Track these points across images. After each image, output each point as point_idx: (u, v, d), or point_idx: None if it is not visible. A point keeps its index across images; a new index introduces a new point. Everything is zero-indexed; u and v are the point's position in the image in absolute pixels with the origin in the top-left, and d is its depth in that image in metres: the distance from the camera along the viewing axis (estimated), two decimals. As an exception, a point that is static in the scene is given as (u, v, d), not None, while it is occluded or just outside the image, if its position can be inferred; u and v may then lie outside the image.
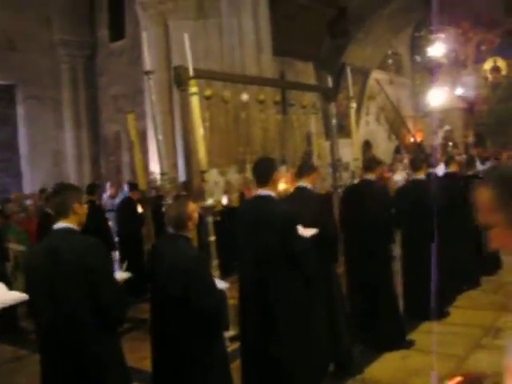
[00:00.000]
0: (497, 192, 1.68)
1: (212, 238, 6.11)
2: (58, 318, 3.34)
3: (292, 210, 4.38)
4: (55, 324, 3.36)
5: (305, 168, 5.41)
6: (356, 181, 7.83)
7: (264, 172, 4.43)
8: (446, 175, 8.45)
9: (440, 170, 10.33)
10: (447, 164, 8.82)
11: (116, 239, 10.19)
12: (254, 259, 4.34)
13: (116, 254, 10.45)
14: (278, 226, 4.21)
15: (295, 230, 4.30)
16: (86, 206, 3.61)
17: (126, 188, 12.13)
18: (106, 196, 13.50)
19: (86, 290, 3.30)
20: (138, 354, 6.03)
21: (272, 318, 4.24)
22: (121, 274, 4.02)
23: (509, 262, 9.05)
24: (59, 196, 3.61)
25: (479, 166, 12.43)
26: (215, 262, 6.27)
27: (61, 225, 3.48)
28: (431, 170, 8.94)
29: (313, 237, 4.50)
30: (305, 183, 5.21)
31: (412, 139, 24.17)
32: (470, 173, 9.05)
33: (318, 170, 6.08)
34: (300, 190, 5.22)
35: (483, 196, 1.72)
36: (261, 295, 4.29)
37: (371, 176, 6.14)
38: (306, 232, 4.42)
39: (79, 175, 16.95)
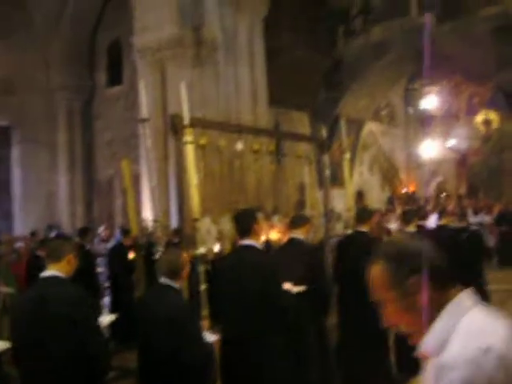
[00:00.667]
0: (390, 268, 1.65)
1: (203, 287, 6.03)
2: (42, 368, 3.28)
3: (275, 262, 4.38)
4: (38, 373, 3.30)
5: (298, 219, 5.45)
6: (349, 231, 7.81)
7: (245, 223, 4.40)
8: (438, 227, 8.45)
9: (432, 221, 10.35)
10: (440, 216, 8.84)
11: (107, 285, 10.14)
12: (236, 311, 4.26)
13: (106, 300, 10.36)
14: (261, 276, 4.16)
15: (279, 282, 4.25)
16: (76, 260, 3.59)
17: (118, 233, 12.09)
18: (97, 240, 13.42)
19: (71, 341, 3.25)
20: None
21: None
22: (105, 318, 3.98)
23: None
24: (57, 241, 3.61)
25: (472, 218, 12.46)
26: (205, 312, 6.18)
27: (49, 273, 3.45)
28: (422, 222, 8.91)
29: (301, 293, 4.46)
30: (297, 234, 5.22)
31: (405, 190, 24.29)
32: (460, 225, 9.04)
33: (311, 221, 6.06)
34: (292, 241, 5.22)
35: (375, 272, 1.69)
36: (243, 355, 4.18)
37: (364, 228, 6.10)
38: (294, 288, 4.35)
39: (72, 218, 16.89)
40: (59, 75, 16.99)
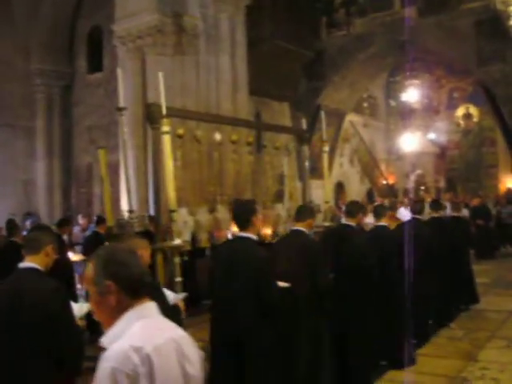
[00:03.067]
0: (96, 268, 1.98)
1: (178, 279, 6.00)
2: (14, 360, 3.24)
3: (268, 257, 4.36)
4: (11, 367, 3.26)
5: (303, 212, 5.41)
6: (326, 223, 7.84)
7: (243, 215, 4.39)
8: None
9: (403, 214, 10.44)
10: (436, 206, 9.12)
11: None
12: (229, 302, 4.27)
13: (81, 289, 10.31)
14: (254, 269, 4.18)
15: (270, 278, 4.27)
16: (55, 252, 3.52)
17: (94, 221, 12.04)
18: (77, 229, 13.31)
19: (46, 335, 3.22)
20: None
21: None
22: (81, 308, 3.91)
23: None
24: (36, 232, 3.55)
25: (449, 211, 12.50)
26: (182, 304, 6.15)
27: (27, 264, 3.39)
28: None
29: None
30: (301, 227, 5.21)
31: (384, 182, 24.42)
32: (434, 215, 9.10)
33: (316, 215, 6.02)
34: (295, 233, 5.23)
35: (88, 267, 2.02)
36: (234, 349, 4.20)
37: (352, 221, 6.00)
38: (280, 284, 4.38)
39: (49, 206, 16.73)
40: (38, 61, 16.77)
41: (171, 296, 4.31)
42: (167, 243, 5.81)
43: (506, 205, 17.96)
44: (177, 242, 5.84)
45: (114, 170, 9.43)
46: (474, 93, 22.86)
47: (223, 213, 10.21)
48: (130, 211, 6.08)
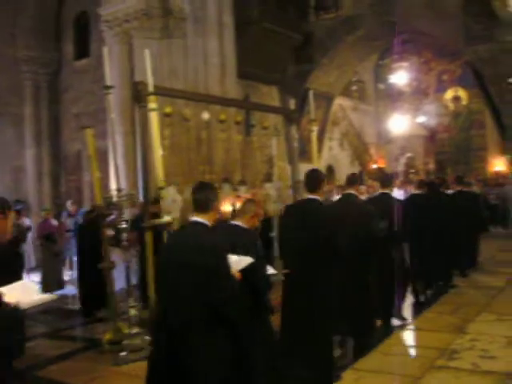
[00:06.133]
0: None
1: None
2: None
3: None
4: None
5: (352, 179, 6.54)
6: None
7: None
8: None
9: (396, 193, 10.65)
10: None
11: (75, 259, 10.34)
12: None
13: (74, 274, 10.39)
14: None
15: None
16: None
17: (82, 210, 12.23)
18: (65, 215, 13.30)
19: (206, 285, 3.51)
20: (90, 375, 5.94)
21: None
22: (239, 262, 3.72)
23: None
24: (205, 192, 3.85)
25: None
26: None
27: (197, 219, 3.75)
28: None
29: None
30: (351, 191, 6.36)
31: (374, 165, 24.47)
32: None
33: (363, 182, 6.74)
34: (347, 196, 6.38)
35: None
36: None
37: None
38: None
39: (39, 193, 16.65)
40: (25, 48, 16.60)
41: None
42: (156, 220, 5.82)
43: (494, 187, 18.11)
44: (166, 218, 5.85)
45: (102, 157, 9.36)
46: (463, 75, 22.93)
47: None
48: (119, 190, 6.07)
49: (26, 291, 3.13)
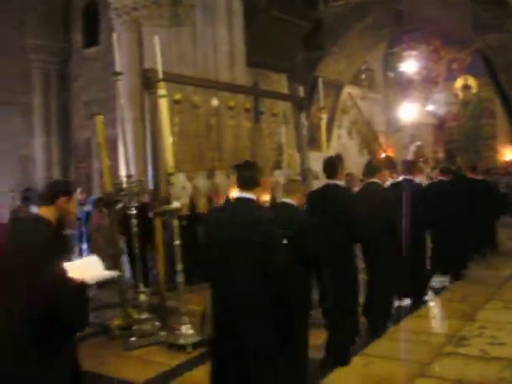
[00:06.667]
0: None
1: (177, 242, 6.04)
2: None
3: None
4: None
5: (372, 168, 6.68)
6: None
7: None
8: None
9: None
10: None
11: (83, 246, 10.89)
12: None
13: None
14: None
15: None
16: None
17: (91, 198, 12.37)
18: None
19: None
20: (99, 360, 5.98)
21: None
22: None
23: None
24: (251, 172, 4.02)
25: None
26: (180, 267, 6.20)
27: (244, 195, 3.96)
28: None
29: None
30: (374, 179, 6.52)
31: (383, 154, 24.38)
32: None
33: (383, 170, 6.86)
34: (370, 184, 6.55)
35: None
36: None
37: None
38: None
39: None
40: (34, 36, 16.61)
41: None
42: (166, 206, 5.84)
43: (504, 175, 18.03)
44: (175, 205, 5.87)
45: (112, 146, 9.38)
46: (472, 64, 22.74)
47: (222, 178, 10.24)
48: (128, 176, 6.09)
49: (90, 267, 3.21)
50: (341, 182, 5.60)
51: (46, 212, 3.22)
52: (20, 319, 2.82)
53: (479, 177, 11.74)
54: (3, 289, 2.90)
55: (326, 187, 5.56)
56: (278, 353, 3.88)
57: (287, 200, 4.73)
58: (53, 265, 2.92)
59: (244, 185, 3.93)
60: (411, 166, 8.26)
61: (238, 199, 3.97)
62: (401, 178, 7.83)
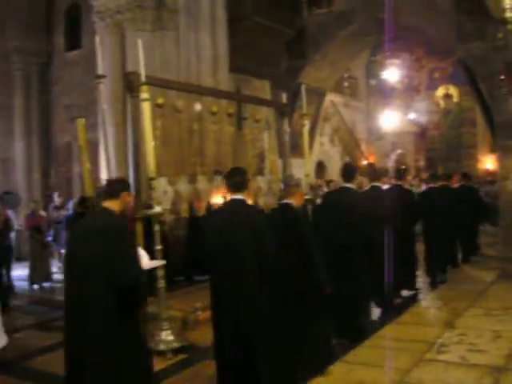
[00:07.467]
0: None
1: (158, 247, 5.99)
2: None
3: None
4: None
5: (377, 172, 7.87)
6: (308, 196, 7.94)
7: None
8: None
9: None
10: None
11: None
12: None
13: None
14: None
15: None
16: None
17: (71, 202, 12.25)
18: (52, 206, 13.25)
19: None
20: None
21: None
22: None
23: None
24: (239, 176, 4.58)
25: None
26: (161, 273, 6.15)
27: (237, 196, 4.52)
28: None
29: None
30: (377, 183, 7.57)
31: (365, 162, 24.51)
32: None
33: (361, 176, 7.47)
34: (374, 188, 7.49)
35: None
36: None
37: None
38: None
39: (28, 185, 16.54)
40: (16, 38, 16.47)
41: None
42: (147, 211, 5.79)
43: (484, 184, 18.18)
44: (156, 209, 5.83)
45: (93, 150, 9.30)
46: (454, 73, 22.98)
47: (204, 183, 10.19)
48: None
49: (142, 256, 4.12)
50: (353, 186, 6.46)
51: (112, 205, 3.90)
52: (110, 291, 3.66)
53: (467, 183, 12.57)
54: (98, 270, 3.66)
55: (342, 190, 6.51)
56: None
57: (288, 201, 5.41)
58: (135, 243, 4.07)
59: (234, 188, 4.49)
60: (403, 174, 9.26)
61: (233, 200, 4.51)
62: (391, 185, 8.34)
